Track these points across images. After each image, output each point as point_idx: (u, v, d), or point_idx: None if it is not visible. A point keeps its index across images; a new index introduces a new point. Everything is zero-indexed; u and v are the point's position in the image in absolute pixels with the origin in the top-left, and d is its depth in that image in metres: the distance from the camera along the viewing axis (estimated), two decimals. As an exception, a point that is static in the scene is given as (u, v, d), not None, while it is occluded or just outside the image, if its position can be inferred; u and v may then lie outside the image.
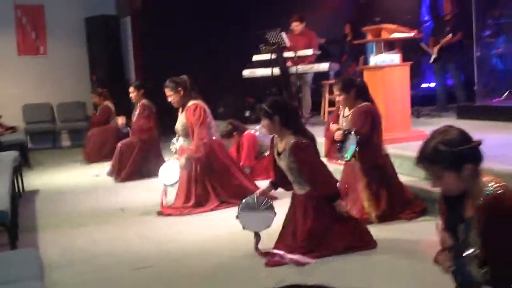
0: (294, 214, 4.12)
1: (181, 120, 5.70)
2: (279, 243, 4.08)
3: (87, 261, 4.29)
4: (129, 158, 7.38)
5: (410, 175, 5.16)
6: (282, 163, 4.09)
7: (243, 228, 4.16)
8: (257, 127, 7.86)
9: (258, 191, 4.33)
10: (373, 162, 4.77)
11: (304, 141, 3.97)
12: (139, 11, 10.95)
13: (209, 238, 4.69)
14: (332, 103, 9.07)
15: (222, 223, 5.03)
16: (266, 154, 6.44)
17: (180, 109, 5.76)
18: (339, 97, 4.92)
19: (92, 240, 4.82)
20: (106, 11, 11.53)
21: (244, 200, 4.21)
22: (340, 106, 5.09)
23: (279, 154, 4.11)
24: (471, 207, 2.29)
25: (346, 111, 4.96)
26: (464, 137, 2.32)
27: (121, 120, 8.81)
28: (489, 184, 2.25)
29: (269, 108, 4.07)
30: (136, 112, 7.64)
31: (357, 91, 4.84)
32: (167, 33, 10.18)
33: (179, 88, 5.66)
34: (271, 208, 4.14)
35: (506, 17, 9.09)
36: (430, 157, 2.30)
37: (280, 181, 4.28)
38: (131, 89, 7.74)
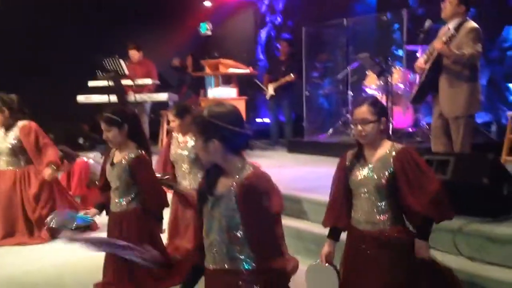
0: (117, 232, 3.97)
1: (5, 139, 5.41)
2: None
3: None
4: None
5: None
6: (113, 173, 3.96)
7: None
8: (91, 154, 7.59)
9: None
10: None
11: (145, 155, 3.93)
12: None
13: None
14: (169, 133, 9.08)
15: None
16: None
17: (3, 129, 5.44)
18: (173, 123, 4.85)
19: None
20: None
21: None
22: (174, 133, 5.06)
23: (112, 164, 3.98)
24: (223, 185, 2.43)
25: (181, 137, 4.96)
26: (234, 117, 2.44)
27: None
28: (246, 166, 2.42)
29: (118, 115, 3.90)
30: None
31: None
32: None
33: (4, 108, 5.34)
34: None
35: (332, 62, 9.92)
36: (197, 124, 2.43)
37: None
38: None
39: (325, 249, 3.25)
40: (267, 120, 10.65)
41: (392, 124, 7.16)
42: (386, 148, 3.03)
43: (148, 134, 8.87)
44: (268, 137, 9.83)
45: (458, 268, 3.40)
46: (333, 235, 3.27)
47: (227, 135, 2.35)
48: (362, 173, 3.07)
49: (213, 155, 2.39)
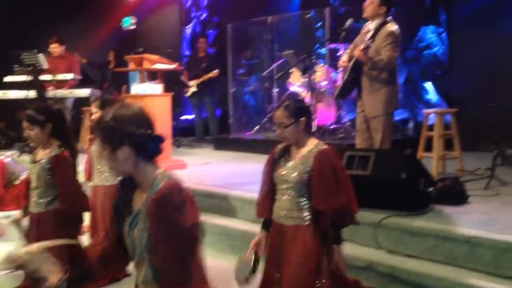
0: (34, 233, 3.79)
1: None
2: None
3: None
4: None
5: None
6: (34, 172, 3.77)
7: None
8: (9, 153, 7.28)
9: None
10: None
11: (66, 155, 3.73)
12: None
13: None
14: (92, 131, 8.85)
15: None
16: (17, 182, 5.97)
17: None
18: (95, 115, 4.58)
19: None
20: None
21: None
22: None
23: (34, 162, 3.79)
24: (139, 198, 2.16)
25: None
26: (140, 119, 2.16)
27: None
28: (159, 176, 2.13)
29: (41, 114, 3.70)
30: None
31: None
32: None
33: None
34: None
35: (257, 59, 10.00)
36: (101, 131, 2.11)
37: None
38: None
39: (256, 237, 3.30)
40: (192, 117, 10.60)
41: (316, 121, 7.32)
42: (310, 147, 3.10)
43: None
44: (193, 134, 9.81)
45: (378, 261, 3.54)
46: (265, 225, 3.30)
47: (136, 140, 2.07)
48: (285, 169, 3.13)
49: (123, 164, 2.08)
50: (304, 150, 3.10)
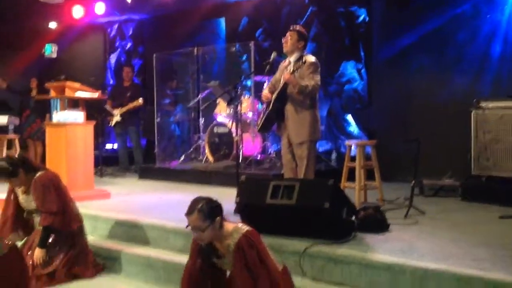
0: None
1: None
2: None
3: None
4: None
5: (90, 233, 5.11)
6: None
7: None
8: None
9: None
10: (70, 228, 4.63)
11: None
12: None
13: None
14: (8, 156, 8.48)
15: None
16: None
17: None
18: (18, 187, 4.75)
19: None
20: None
21: None
22: (16, 189, 4.81)
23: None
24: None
25: (20, 192, 4.76)
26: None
27: None
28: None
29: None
30: None
31: (24, 168, 4.60)
32: None
33: None
34: None
35: (183, 89, 10.00)
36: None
37: None
38: None
39: None
40: (116, 146, 10.39)
41: (242, 151, 7.37)
42: (230, 238, 3.26)
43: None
44: (117, 163, 9.60)
45: (303, 288, 3.57)
46: None
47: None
48: (222, 264, 3.40)
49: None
50: (226, 244, 3.28)
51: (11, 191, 4.83)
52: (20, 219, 4.81)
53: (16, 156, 4.80)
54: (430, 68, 7.44)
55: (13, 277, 3.68)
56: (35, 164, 4.86)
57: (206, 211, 3.19)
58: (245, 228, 3.30)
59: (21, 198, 4.75)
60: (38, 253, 4.50)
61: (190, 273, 3.45)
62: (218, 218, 3.22)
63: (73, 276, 4.56)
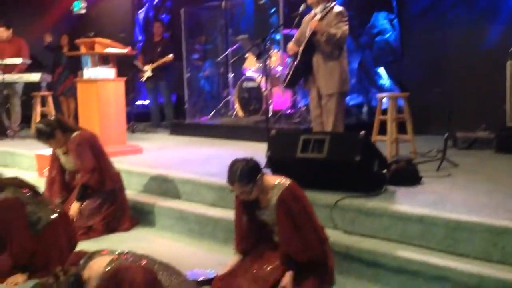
0: None
1: None
2: None
3: None
4: None
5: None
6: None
7: None
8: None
9: None
10: (107, 186, 4.73)
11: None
12: None
13: None
14: (43, 116, 8.64)
15: None
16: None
17: None
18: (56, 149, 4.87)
19: None
20: None
21: None
22: (57, 151, 4.92)
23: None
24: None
25: (61, 154, 4.87)
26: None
27: None
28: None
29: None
30: None
31: (61, 129, 4.70)
32: None
33: None
34: None
35: (211, 44, 9.94)
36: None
37: None
38: None
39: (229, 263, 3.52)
40: (147, 102, 10.47)
41: (271, 106, 7.36)
42: (273, 192, 3.27)
43: (20, 117, 8.42)
44: (149, 120, 9.70)
45: (334, 241, 3.60)
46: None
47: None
48: (263, 216, 3.38)
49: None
50: (269, 197, 3.28)
51: (54, 154, 4.94)
52: (64, 181, 4.93)
53: (52, 117, 4.88)
54: (465, 18, 7.21)
55: (61, 242, 3.79)
56: (72, 125, 4.94)
57: (246, 175, 3.18)
58: (288, 181, 3.31)
59: (62, 159, 4.86)
60: (74, 207, 4.62)
61: (240, 229, 3.50)
62: (259, 176, 3.22)
63: (111, 230, 4.68)
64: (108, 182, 4.73)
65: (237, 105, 8.22)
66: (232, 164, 3.26)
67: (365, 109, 8.20)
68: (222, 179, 4.48)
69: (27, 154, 6.64)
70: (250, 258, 3.45)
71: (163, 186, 5.12)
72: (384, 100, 5.94)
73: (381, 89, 8.46)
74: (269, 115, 6.28)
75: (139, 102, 11.02)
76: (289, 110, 7.85)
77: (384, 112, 5.80)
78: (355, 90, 8.49)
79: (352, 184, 4.03)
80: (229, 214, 3.93)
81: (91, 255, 2.27)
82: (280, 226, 3.26)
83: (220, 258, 3.93)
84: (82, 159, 4.65)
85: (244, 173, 3.18)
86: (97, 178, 4.66)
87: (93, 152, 4.68)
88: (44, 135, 4.64)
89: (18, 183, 3.81)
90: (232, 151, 6.40)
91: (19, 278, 3.62)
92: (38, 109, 8.55)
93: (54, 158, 4.95)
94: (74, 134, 4.69)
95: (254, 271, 3.34)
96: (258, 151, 5.28)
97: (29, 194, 3.75)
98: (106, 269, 2.14)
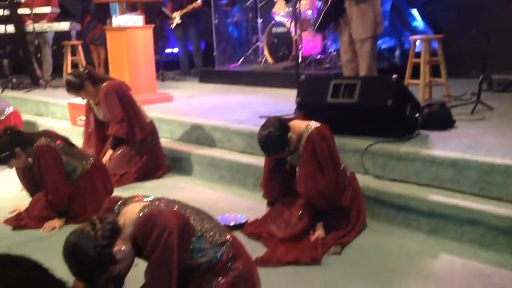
0: None
1: None
2: None
3: None
4: None
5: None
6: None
7: None
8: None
9: None
10: (138, 136, 4.78)
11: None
12: None
13: None
14: (75, 66, 8.70)
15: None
16: (2, 118, 5.90)
17: None
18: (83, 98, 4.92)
19: None
20: None
21: None
22: (90, 103, 4.96)
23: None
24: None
25: (94, 105, 4.94)
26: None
27: None
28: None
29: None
30: None
31: (90, 80, 4.71)
32: None
33: None
34: None
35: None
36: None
37: None
38: None
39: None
40: (176, 50, 10.42)
41: (301, 51, 7.24)
42: (302, 134, 3.27)
43: (52, 67, 8.49)
44: (178, 68, 9.67)
45: (365, 185, 3.59)
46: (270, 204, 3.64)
47: None
48: (292, 160, 3.42)
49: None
50: (299, 140, 3.29)
51: (88, 105, 4.99)
52: (100, 133, 4.99)
53: (82, 69, 4.89)
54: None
55: (97, 190, 3.88)
56: (101, 75, 4.95)
57: (279, 145, 3.19)
58: (317, 124, 3.30)
59: (95, 110, 4.92)
60: (107, 155, 4.70)
61: (269, 176, 3.53)
62: (289, 134, 3.20)
63: (144, 177, 4.76)
64: (138, 132, 4.76)
65: (266, 51, 8.11)
66: (261, 139, 3.23)
67: (397, 52, 8.00)
68: (252, 126, 4.52)
69: (60, 103, 6.72)
70: (281, 205, 3.49)
71: (193, 133, 5.16)
72: (418, 42, 5.78)
73: (414, 31, 8.21)
74: (299, 61, 6.18)
75: (168, 50, 10.97)
76: (319, 56, 7.72)
77: (417, 55, 5.66)
78: (388, 33, 8.26)
79: (384, 129, 3.98)
80: (259, 160, 3.95)
81: (124, 202, 2.30)
82: (303, 165, 3.26)
83: (250, 204, 3.98)
84: (110, 110, 4.68)
85: (276, 144, 3.19)
86: (126, 128, 4.69)
87: (121, 102, 4.70)
88: (74, 87, 4.68)
89: (51, 135, 3.87)
90: (262, 98, 6.37)
91: (57, 223, 3.73)
92: (68, 59, 8.60)
93: (89, 110, 5.00)
94: (104, 84, 4.72)
95: (285, 216, 3.38)
96: (287, 97, 5.25)
97: (62, 144, 3.81)
98: (140, 215, 2.17)
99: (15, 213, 3.91)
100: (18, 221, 3.79)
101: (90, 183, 3.86)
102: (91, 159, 3.97)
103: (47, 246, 3.38)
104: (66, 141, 3.90)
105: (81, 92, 4.72)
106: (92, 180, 3.88)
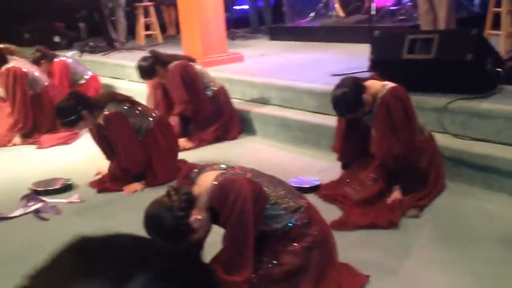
0: None
1: None
2: None
3: None
4: None
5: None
6: None
7: None
8: (69, 53, 7.42)
9: None
10: (205, 113, 4.84)
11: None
12: None
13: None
14: (148, 27, 8.83)
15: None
16: (82, 82, 6.11)
17: None
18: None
19: None
20: None
21: None
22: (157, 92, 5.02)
23: None
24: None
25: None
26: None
27: None
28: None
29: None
30: None
31: (159, 64, 4.77)
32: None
33: None
34: None
35: None
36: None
37: None
38: None
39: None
40: (246, 7, 10.33)
41: (374, 3, 6.99)
42: (377, 94, 3.18)
43: (126, 29, 8.66)
44: (248, 25, 9.61)
45: (444, 145, 3.48)
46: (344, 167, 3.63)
47: None
48: (366, 121, 3.34)
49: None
50: (373, 101, 3.20)
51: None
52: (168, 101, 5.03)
53: (148, 54, 4.92)
54: None
55: (160, 148, 3.96)
56: (168, 56, 4.93)
57: (353, 105, 3.13)
58: (393, 84, 3.21)
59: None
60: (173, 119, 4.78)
61: (342, 133, 3.48)
62: (363, 95, 3.13)
63: (219, 139, 4.84)
64: (204, 109, 4.82)
65: (337, 5, 7.91)
66: (334, 99, 3.17)
67: (477, 0, 7.59)
68: (324, 85, 4.45)
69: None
70: (356, 166, 3.45)
71: (265, 94, 5.14)
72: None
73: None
74: (372, 13, 5.98)
75: (237, 7, 10.90)
76: (393, 7, 7.44)
77: (498, 3, 5.33)
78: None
79: (464, 85, 3.81)
80: (332, 120, 3.88)
81: (199, 171, 2.35)
82: (377, 126, 3.19)
83: (323, 165, 3.95)
84: (174, 91, 4.77)
85: (351, 104, 3.14)
86: (191, 109, 4.76)
87: (185, 81, 4.72)
88: (147, 74, 4.83)
89: (117, 98, 3.95)
90: (334, 55, 6.24)
91: (138, 186, 3.86)
92: (141, 20, 8.73)
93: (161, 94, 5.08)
94: (170, 65, 4.77)
95: (360, 177, 3.34)
96: (360, 53, 5.12)
97: (128, 106, 3.89)
98: (214, 183, 2.21)
99: (98, 176, 4.08)
100: (101, 184, 3.96)
101: (154, 141, 3.92)
102: (155, 117, 4.02)
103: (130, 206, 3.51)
104: (131, 101, 3.98)
105: (153, 76, 4.85)
106: (156, 138, 3.94)
